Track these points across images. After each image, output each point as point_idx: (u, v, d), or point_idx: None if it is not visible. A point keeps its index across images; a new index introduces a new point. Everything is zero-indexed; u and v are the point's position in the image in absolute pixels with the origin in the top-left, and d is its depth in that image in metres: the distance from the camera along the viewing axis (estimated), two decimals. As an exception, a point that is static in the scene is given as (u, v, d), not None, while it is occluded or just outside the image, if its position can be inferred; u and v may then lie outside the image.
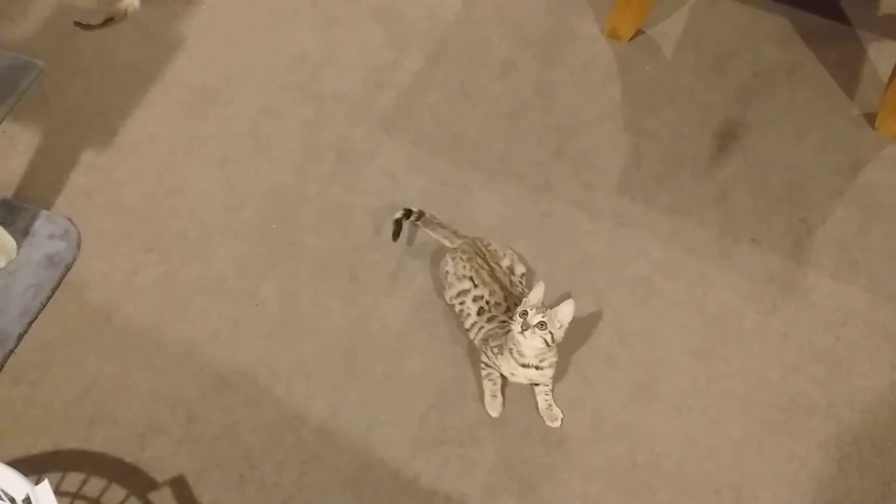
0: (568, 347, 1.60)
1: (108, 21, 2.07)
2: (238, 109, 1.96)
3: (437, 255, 1.71)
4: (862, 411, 1.59)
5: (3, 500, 1.09)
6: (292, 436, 1.54)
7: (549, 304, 1.44)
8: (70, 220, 1.76)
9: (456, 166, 1.88)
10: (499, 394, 1.56)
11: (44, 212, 1.76)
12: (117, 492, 1.47)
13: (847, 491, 1.51)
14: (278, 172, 1.86)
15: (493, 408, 1.55)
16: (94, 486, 1.47)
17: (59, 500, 1.06)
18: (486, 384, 1.56)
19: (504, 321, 1.53)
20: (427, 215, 1.72)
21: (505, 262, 1.65)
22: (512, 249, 1.71)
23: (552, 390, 1.56)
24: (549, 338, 1.41)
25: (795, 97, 2.02)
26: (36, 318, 1.63)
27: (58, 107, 1.94)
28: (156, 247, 1.75)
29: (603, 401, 1.59)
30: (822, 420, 1.58)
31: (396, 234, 1.71)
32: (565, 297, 1.46)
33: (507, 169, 1.88)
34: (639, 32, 2.10)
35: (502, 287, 1.58)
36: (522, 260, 1.71)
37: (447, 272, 1.63)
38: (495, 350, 1.51)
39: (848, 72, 2.06)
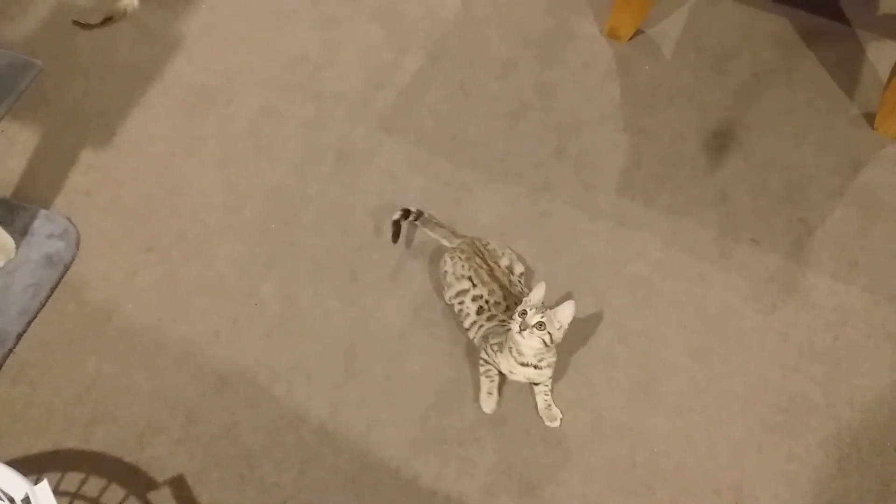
0: (568, 347, 1.60)
1: (108, 20, 2.07)
2: (238, 109, 1.96)
3: (437, 254, 1.71)
4: (861, 411, 1.59)
5: (2, 499, 1.09)
6: (292, 436, 1.53)
7: (548, 305, 1.44)
8: (69, 219, 1.76)
9: (456, 166, 1.88)
10: (495, 391, 1.56)
11: (43, 211, 1.76)
12: (117, 491, 1.47)
13: (846, 491, 1.51)
14: (278, 172, 1.86)
15: (488, 404, 1.55)
16: (94, 485, 1.47)
17: (58, 500, 1.06)
18: (484, 381, 1.56)
19: (504, 320, 1.53)
20: (425, 215, 1.72)
21: (504, 262, 1.65)
22: (511, 249, 1.71)
23: (551, 390, 1.56)
24: (547, 338, 1.41)
25: (795, 97, 2.02)
26: (35, 317, 1.63)
27: (57, 106, 1.94)
28: (156, 247, 1.75)
29: (603, 401, 1.59)
30: (821, 420, 1.58)
31: (396, 236, 1.71)
32: (565, 297, 1.46)
33: (507, 169, 1.88)
34: (638, 32, 2.10)
35: (501, 286, 1.58)
36: (522, 260, 1.71)
37: (446, 272, 1.63)
38: (495, 347, 1.51)
39: (847, 72, 2.06)
